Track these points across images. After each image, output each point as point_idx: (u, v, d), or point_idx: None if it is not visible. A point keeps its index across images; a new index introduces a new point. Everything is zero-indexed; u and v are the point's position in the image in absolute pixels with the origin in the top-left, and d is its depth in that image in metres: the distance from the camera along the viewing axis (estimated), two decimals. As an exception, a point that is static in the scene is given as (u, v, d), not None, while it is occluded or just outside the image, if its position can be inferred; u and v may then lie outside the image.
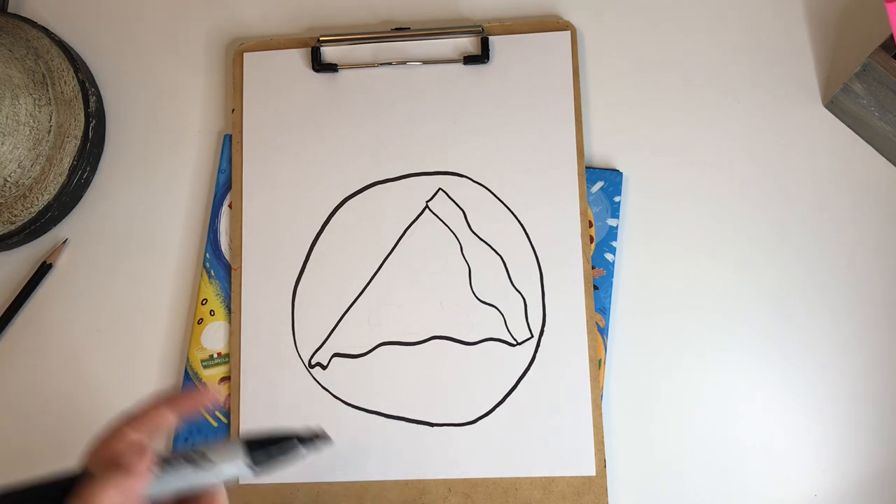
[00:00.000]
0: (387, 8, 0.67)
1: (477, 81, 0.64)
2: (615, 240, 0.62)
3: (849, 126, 0.63)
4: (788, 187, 0.62)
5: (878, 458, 0.59)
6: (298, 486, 0.60)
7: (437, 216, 0.62)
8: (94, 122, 0.65)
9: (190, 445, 0.42)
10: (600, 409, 0.59)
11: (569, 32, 0.64)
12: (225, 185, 0.65)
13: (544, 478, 0.58)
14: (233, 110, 0.65)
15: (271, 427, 0.45)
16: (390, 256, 0.62)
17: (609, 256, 0.62)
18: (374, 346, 0.61)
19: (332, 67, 0.64)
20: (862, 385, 0.60)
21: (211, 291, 0.63)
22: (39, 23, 0.67)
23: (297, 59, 0.65)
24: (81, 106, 0.64)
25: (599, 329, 0.60)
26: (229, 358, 0.62)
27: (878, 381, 0.60)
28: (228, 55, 0.68)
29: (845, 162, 0.62)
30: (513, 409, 0.59)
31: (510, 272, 0.61)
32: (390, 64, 0.64)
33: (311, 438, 0.43)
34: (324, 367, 0.61)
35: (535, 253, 0.61)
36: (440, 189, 0.63)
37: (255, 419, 0.60)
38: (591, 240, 0.62)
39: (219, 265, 0.64)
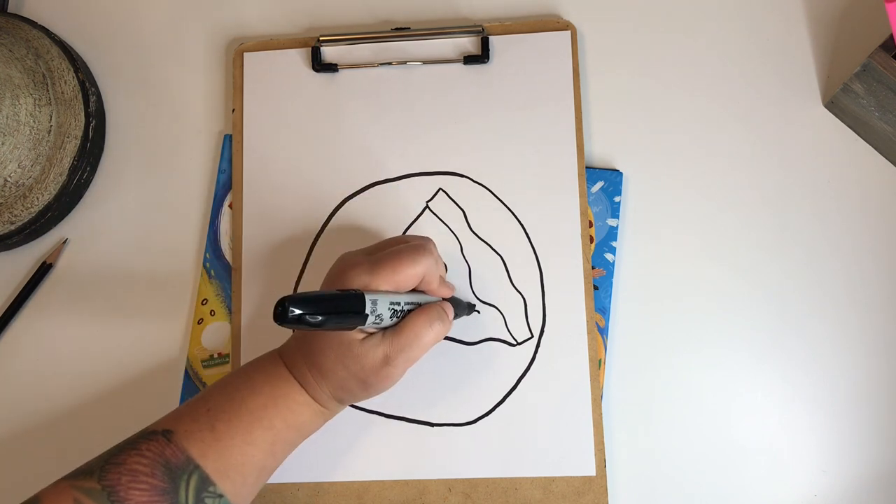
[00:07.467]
0: (387, 8, 0.67)
1: (477, 81, 0.64)
2: (615, 240, 0.62)
3: (849, 126, 0.63)
4: (788, 187, 0.62)
5: (878, 458, 0.59)
6: (298, 486, 0.60)
7: (437, 216, 0.62)
8: (94, 122, 0.65)
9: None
10: (600, 409, 0.59)
11: (569, 32, 0.64)
12: (225, 185, 0.65)
13: (544, 478, 0.58)
14: (233, 110, 0.65)
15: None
16: (390, 256, 0.62)
17: (609, 256, 0.62)
18: (374, 346, 0.61)
19: (332, 67, 0.64)
20: (862, 385, 0.60)
21: (211, 291, 0.63)
22: (39, 23, 0.67)
23: (297, 59, 0.65)
24: (81, 106, 0.64)
25: (599, 329, 0.60)
26: (229, 358, 0.62)
27: (878, 381, 0.60)
28: (228, 55, 0.67)
29: (845, 162, 0.62)
30: (513, 409, 0.59)
31: (510, 272, 0.61)
32: (390, 64, 0.64)
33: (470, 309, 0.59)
34: (324, 367, 0.61)
35: (535, 253, 0.61)
36: (440, 189, 0.63)
37: (255, 419, 0.60)
38: (591, 240, 0.62)
39: (219, 265, 0.64)
